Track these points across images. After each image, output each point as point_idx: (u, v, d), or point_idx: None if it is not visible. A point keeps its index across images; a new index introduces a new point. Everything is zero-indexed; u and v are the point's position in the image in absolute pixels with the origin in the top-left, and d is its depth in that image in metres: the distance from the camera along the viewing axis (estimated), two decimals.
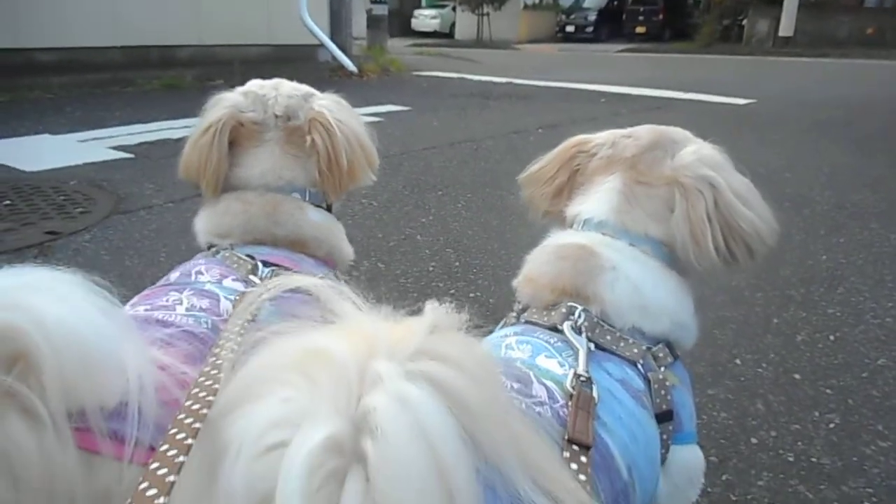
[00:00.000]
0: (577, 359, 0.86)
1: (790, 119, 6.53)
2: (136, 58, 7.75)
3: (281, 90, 1.31)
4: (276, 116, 1.28)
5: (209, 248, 1.23)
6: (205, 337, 0.92)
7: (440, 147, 4.92)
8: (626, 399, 0.86)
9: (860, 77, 11.27)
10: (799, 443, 1.67)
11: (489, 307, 2.37)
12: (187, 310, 0.97)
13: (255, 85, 1.33)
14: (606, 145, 1.12)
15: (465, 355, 0.51)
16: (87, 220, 3.07)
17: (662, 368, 0.94)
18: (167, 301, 0.98)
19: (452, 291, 2.51)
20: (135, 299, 1.02)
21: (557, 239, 1.06)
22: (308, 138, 1.28)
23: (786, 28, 18.43)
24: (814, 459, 1.61)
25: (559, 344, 0.90)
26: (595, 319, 0.94)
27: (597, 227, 1.05)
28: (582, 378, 0.82)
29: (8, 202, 3.29)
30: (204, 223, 1.26)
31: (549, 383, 0.81)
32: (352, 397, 0.45)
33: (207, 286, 1.03)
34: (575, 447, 0.72)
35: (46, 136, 4.89)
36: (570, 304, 0.95)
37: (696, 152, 1.06)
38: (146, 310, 0.96)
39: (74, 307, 0.65)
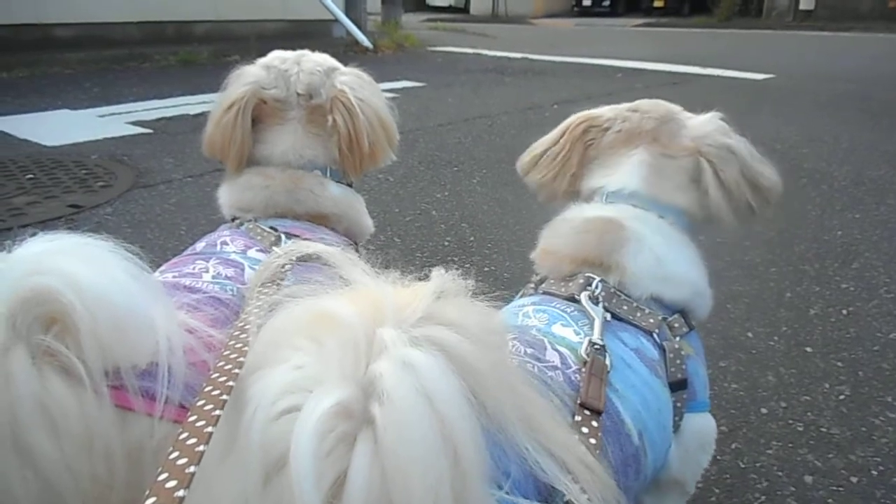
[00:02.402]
0: (592, 328, 0.88)
1: (809, 94, 6.44)
2: (152, 33, 7.77)
3: (304, 65, 1.31)
4: (299, 94, 1.29)
5: (233, 220, 1.26)
6: (230, 303, 0.96)
7: (455, 123, 4.92)
8: (640, 367, 0.88)
9: (882, 52, 11.06)
10: (809, 413, 1.69)
11: (504, 281, 2.40)
12: (213, 277, 1.00)
13: (277, 58, 1.33)
14: (619, 119, 1.13)
15: (470, 319, 0.52)
16: (109, 194, 3.12)
17: (678, 338, 0.96)
18: (194, 269, 1.01)
19: (467, 266, 2.54)
20: (163, 267, 1.06)
21: (582, 212, 1.07)
22: (329, 118, 1.29)
23: (806, 1, 18.07)
24: (823, 429, 1.64)
25: (575, 313, 0.92)
26: (612, 290, 0.96)
27: (627, 198, 1.07)
28: (596, 346, 0.84)
29: (31, 176, 3.35)
30: (227, 197, 1.30)
31: (562, 350, 0.83)
32: (360, 363, 0.47)
33: (232, 255, 1.07)
34: (587, 411, 0.74)
35: (66, 111, 4.95)
36: (587, 274, 0.97)
37: (709, 122, 1.12)
38: (174, 276, 1.00)
39: (107, 271, 0.68)
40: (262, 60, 1.34)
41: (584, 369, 0.80)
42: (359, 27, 9.50)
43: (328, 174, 1.32)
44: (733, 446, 1.58)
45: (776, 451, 1.57)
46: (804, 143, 4.40)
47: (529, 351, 0.81)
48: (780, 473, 1.50)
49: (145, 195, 3.12)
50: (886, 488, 1.46)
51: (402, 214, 3.06)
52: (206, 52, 7.65)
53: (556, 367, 0.80)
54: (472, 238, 2.81)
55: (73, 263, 0.67)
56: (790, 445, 1.59)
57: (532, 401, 0.57)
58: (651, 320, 0.95)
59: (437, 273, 0.57)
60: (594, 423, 0.73)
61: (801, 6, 18.21)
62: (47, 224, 2.77)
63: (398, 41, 10.43)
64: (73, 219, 2.85)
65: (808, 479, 1.48)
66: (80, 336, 0.64)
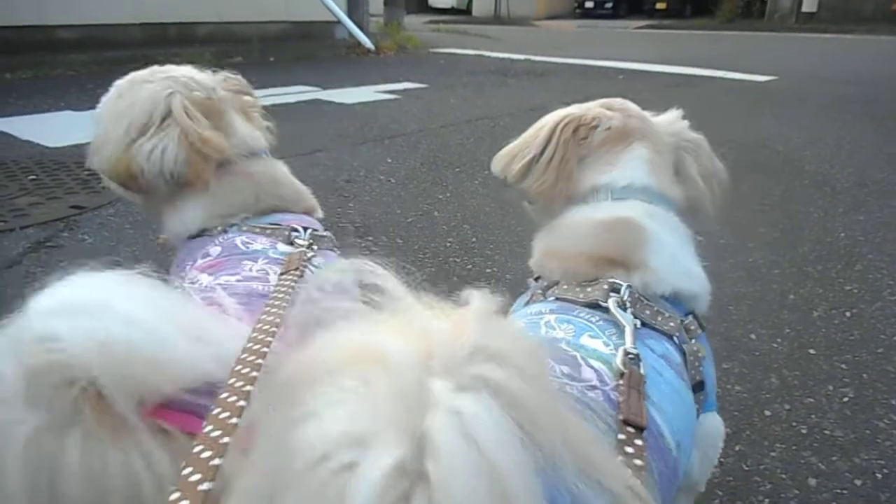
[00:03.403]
0: (621, 336, 0.85)
1: (811, 96, 6.44)
2: (155, 35, 7.79)
3: (181, 70, 1.27)
4: (213, 89, 1.26)
5: (200, 233, 1.19)
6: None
7: (457, 124, 4.92)
8: (669, 374, 0.86)
9: (885, 54, 11.05)
10: (812, 416, 1.69)
11: (506, 283, 2.40)
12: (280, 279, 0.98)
13: (153, 73, 1.25)
14: (604, 117, 1.12)
15: (515, 350, 0.50)
16: (111, 195, 3.10)
17: (693, 340, 0.95)
18: (252, 271, 0.99)
19: (469, 267, 2.54)
20: (199, 266, 1.04)
21: (592, 212, 1.05)
22: (247, 98, 1.31)
23: (809, 3, 18.06)
24: (827, 432, 1.63)
25: (601, 322, 0.89)
26: (637, 294, 0.94)
27: (637, 193, 1.05)
28: (630, 355, 0.81)
29: (33, 177, 3.35)
30: (194, 213, 1.20)
31: (596, 364, 0.80)
32: (413, 415, 0.45)
33: (272, 253, 1.05)
34: (629, 429, 0.71)
35: (69, 112, 4.95)
36: (611, 279, 0.95)
37: (677, 119, 1.17)
38: (238, 281, 0.97)
39: (128, 311, 0.66)
40: (136, 79, 1.24)
41: (621, 382, 0.77)
42: (361, 29, 9.52)
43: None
44: (737, 448, 1.57)
45: (780, 453, 1.56)
46: (807, 145, 4.39)
47: (565, 370, 0.78)
48: (783, 476, 1.49)
49: None
50: (891, 491, 1.45)
51: (404, 215, 3.06)
52: (209, 53, 7.64)
53: (594, 387, 0.76)
54: (474, 239, 2.80)
55: (94, 318, 0.64)
56: (794, 448, 1.58)
57: (580, 431, 0.55)
58: (671, 324, 0.93)
59: (476, 295, 0.55)
60: (638, 442, 0.70)
61: (804, 8, 18.20)
62: (49, 225, 2.77)
63: (400, 43, 10.45)
64: (75, 220, 2.84)
65: (812, 481, 1.48)
66: (108, 388, 0.61)
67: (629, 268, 0.97)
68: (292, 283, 0.93)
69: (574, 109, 1.15)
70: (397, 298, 0.55)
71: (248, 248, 1.08)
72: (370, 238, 2.78)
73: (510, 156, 1.16)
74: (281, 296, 0.88)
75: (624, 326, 0.86)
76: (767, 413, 1.70)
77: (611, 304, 0.90)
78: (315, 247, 1.11)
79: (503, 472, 0.44)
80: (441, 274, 2.47)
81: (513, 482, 0.44)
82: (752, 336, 2.06)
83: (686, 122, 1.18)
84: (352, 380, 0.46)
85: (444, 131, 4.70)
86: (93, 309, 0.64)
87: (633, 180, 1.06)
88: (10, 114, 4.76)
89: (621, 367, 0.79)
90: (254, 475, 0.47)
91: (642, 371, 0.80)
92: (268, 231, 1.14)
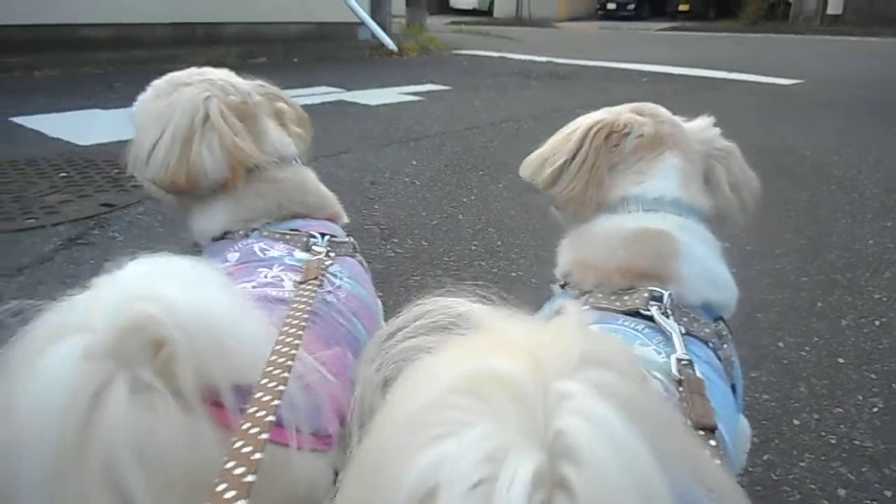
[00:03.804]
0: (668, 344, 0.86)
1: (838, 100, 6.37)
2: (182, 35, 7.87)
3: (218, 74, 1.28)
4: (248, 94, 1.28)
5: (224, 235, 1.20)
6: (321, 312, 0.95)
7: (481, 127, 4.93)
8: (716, 379, 0.87)
9: None
10: (841, 426, 1.68)
11: (531, 287, 2.40)
12: (294, 285, 0.99)
13: (190, 75, 1.27)
14: (637, 123, 1.11)
15: (619, 356, 0.50)
16: (140, 194, 3.16)
17: (725, 346, 0.96)
18: (267, 277, 1.00)
19: (495, 271, 2.54)
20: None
21: (623, 222, 1.05)
22: (280, 105, 1.32)
23: (834, 6, 17.84)
24: (856, 442, 1.62)
25: (647, 330, 0.89)
26: (675, 302, 0.95)
27: (667, 205, 1.05)
28: (683, 362, 0.81)
29: (64, 174, 3.41)
30: (219, 216, 1.22)
31: (656, 374, 0.79)
32: (540, 422, 0.44)
33: (287, 260, 1.06)
34: (701, 432, 0.70)
35: (97, 110, 5.02)
36: (650, 287, 0.95)
37: (708, 126, 1.17)
38: (253, 287, 0.98)
39: (206, 295, 0.68)
40: (173, 81, 1.26)
41: (682, 389, 0.77)
42: (384, 30, 9.55)
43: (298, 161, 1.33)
44: (765, 458, 1.57)
45: (809, 463, 1.55)
46: (834, 150, 4.35)
47: None
48: (812, 486, 1.48)
49: None
50: None
51: (429, 218, 3.07)
52: (234, 53, 7.72)
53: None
54: (498, 243, 2.81)
55: (173, 288, 0.66)
56: (823, 458, 1.57)
57: (685, 432, 0.54)
58: (707, 330, 0.94)
59: (569, 306, 0.54)
60: (712, 443, 0.69)
61: (829, 10, 17.98)
62: (80, 223, 2.81)
63: (423, 44, 10.47)
64: (106, 217, 2.89)
65: (842, 492, 1.47)
66: (181, 361, 0.63)
67: (663, 280, 0.97)
68: (312, 293, 0.94)
69: (605, 114, 1.14)
70: (482, 319, 0.54)
71: (265, 254, 1.09)
72: (395, 240, 2.80)
73: (540, 160, 1.14)
74: (302, 305, 0.89)
75: (670, 333, 0.86)
76: (796, 422, 1.69)
77: (654, 311, 0.90)
78: (332, 254, 1.12)
79: (649, 483, 0.43)
80: (467, 277, 2.48)
81: (652, 484, 0.43)
82: (780, 344, 2.04)
83: (717, 130, 1.18)
84: (467, 398, 0.45)
85: (468, 133, 4.71)
86: (182, 280, 0.67)
87: (665, 192, 1.06)
88: (40, 111, 4.84)
89: (677, 374, 0.79)
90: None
91: (700, 375, 0.80)
92: (286, 237, 1.14)
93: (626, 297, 0.95)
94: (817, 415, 1.72)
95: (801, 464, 1.55)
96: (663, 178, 1.07)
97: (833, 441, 1.62)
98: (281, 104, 1.35)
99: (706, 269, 1.01)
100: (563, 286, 1.09)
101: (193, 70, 1.28)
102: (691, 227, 1.04)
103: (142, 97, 1.28)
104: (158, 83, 1.27)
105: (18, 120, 4.57)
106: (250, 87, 1.30)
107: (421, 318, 0.58)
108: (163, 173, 1.17)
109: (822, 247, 2.79)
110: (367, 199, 3.27)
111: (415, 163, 3.94)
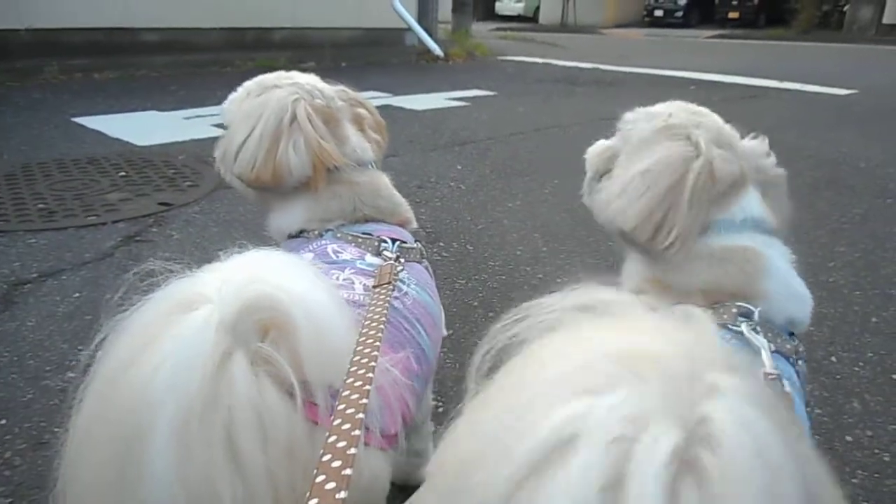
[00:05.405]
0: (755, 359, 0.86)
1: (894, 111, 6.20)
2: (233, 39, 8.05)
3: (306, 78, 1.32)
4: (331, 98, 1.31)
5: (299, 234, 1.24)
6: (389, 317, 0.96)
7: (527, 132, 4.94)
8: (796, 395, 0.88)
9: None
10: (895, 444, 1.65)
11: None
12: (364, 288, 1.02)
13: (278, 78, 1.31)
14: (729, 169, 1.03)
15: (738, 358, 0.52)
16: (196, 194, 3.27)
17: (800, 362, 0.97)
18: (339, 279, 1.03)
19: (540, 276, 2.55)
20: None
21: (705, 240, 1.01)
22: (360, 111, 1.34)
23: (891, 15, 17.35)
24: None
25: (734, 342, 0.89)
26: (763, 319, 0.95)
27: (752, 224, 1.03)
28: (772, 377, 0.82)
29: (123, 174, 3.53)
30: (296, 215, 1.26)
31: None
32: (686, 404, 0.46)
33: (359, 264, 1.09)
34: None
35: (154, 112, 5.19)
36: (738, 304, 0.95)
37: (763, 153, 1.12)
38: None
39: (326, 294, 0.72)
40: (262, 83, 1.30)
41: None
42: (430, 35, 9.63)
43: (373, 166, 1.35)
44: None
45: (861, 480, 1.53)
46: (890, 163, 4.24)
47: None
48: (865, 503, 1.46)
49: (230, 195, 3.23)
50: None
51: (474, 223, 3.09)
52: (283, 58, 7.87)
53: None
54: (544, 248, 2.82)
55: (289, 276, 0.71)
56: (876, 475, 1.54)
57: (809, 450, 0.54)
58: (788, 346, 0.95)
59: (692, 308, 0.57)
60: None
61: (885, 20, 17.50)
62: (138, 220, 2.91)
63: (469, 50, 10.51)
64: (163, 216, 2.99)
65: None
66: (298, 345, 0.67)
67: (748, 298, 0.96)
68: (387, 296, 0.97)
69: (684, 145, 1.04)
70: (627, 307, 0.57)
71: (337, 256, 1.12)
72: (441, 244, 2.83)
73: (651, 222, 1.01)
74: (380, 308, 0.91)
75: (759, 349, 0.87)
76: (849, 439, 1.66)
77: (744, 328, 0.90)
78: (402, 259, 1.15)
79: (778, 475, 0.44)
80: (511, 283, 2.49)
81: (785, 484, 0.45)
82: (833, 359, 2.01)
83: (773, 159, 1.13)
84: (617, 367, 0.48)
85: (514, 139, 4.73)
86: (295, 272, 0.71)
87: (748, 213, 1.04)
88: (100, 112, 5.01)
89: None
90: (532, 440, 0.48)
91: (788, 391, 0.81)
92: (359, 240, 1.17)
93: (714, 314, 0.94)
94: (871, 432, 1.69)
95: (854, 481, 1.53)
96: (746, 202, 1.05)
97: (886, 459, 1.59)
98: (361, 110, 1.37)
99: (789, 285, 1.02)
100: None
101: (282, 73, 1.34)
102: (773, 243, 1.05)
103: (233, 96, 1.35)
104: (249, 84, 1.33)
105: (80, 120, 4.74)
106: (334, 91, 1.34)
107: (566, 300, 0.61)
108: (249, 169, 1.22)
109: (877, 261, 2.73)
110: (414, 203, 3.27)
111: (460, 167, 3.97)
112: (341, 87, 1.37)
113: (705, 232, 1.03)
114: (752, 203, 1.06)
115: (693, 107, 1.15)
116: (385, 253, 1.13)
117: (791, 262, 1.06)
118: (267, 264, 0.72)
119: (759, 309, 0.94)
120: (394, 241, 1.19)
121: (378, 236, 1.20)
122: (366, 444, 0.74)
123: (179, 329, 0.64)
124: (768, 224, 1.06)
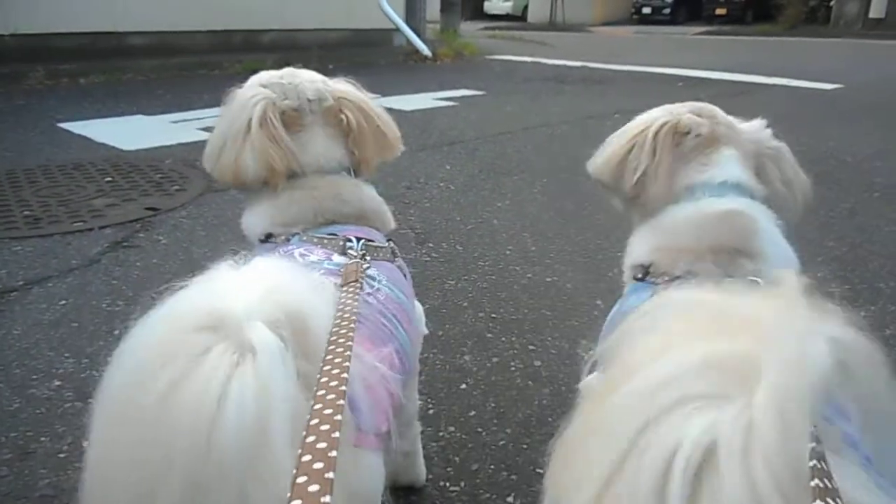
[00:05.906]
0: None
1: (881, 105, 6.24)
2: (220, 42, 8.03)
3: (302, 76, 1.32)
4: (310, 101, 1.29)
5: (267, 238, 1.24)
6: (365, 313, 0.97)
7: (515, 132, 4.94)
8: None
9: None
10: None
11: (566, 292, 2.41)
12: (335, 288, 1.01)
13: (272, 76, 1.31)
14: (696, 125, 1.17)
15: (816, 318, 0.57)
16: (183, 198, 3.25)
17: None
18: None
19: (529, 276, 2.55)
20: None
21: (700, 208, 1.11)
22: (342, 116, 1.31)
23: (877, 9, 17.45)
24: None
25: None
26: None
27: (734, 188, 1.12)
28: None
29: (109, 179, 3.51)
30: (264, 217, 1.26)
31: None
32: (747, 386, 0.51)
33: (326, 265, 1.09)
34: None
35: (141, 116, 5.16)
36: (750, 278, 1.00)
37: (761, 128, 1.23)
38: None
39: (325, 301, 0.74)
40: (254, 80, 1.31)
41: None
42: (418, 35, 9.62)
43: (351, 174, 1.34)
44: None
45: None
46: (876, 157, 4.26)
47: None
48: None
49: (217, 199, 3.22)
50: None
51: (464, 223, 3.09)
52: (271, 60, 7.84)
53: None
54: (533, 248, 2.82)
55: (305, 289, 0.72)
56: None
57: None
58: None
59: (786, 277, 0.62)
60: None
61: (872, 14, 17.59)
62: (126, 226, 2.90)
63: (457, 49, 10.50)
64: (150, 221, 2.97)
65: None
66: (311, 355, 0.68)
67: (751, 257, 1.03)
68: (356, 294, 0.97)
69: (665, 114, 1.20)
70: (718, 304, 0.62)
71: (304, 259, 1.11)
72: (430, 244, 2.82)
73: (616, 164, 1.20)
74: (349, 306, 0.91)
75: None
76: None
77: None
78: (368, 257, 1.14)
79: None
80: (501, 283, 2.49)
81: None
82: None
83: (769, 131, 1.23)
84: (721, 374, 0.52)
85: (502, 138, 4.73)
86: (303, 281, 0.74)
87: (728, 177, 1.13)
88: (86, 117, 4.98)
89: None
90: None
91: None
92: (324, 241, 1.17)
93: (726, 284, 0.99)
94: None
95: None
96: (724, 166, 1.15)
97: None
98: (349, 114, 1.33)
99: (782, 246, 1.08)
100: (642, 277, 1.12)
101: (287, 70, 1.33)
102: (759, 207, 1.11)
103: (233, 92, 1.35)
104: (252, 78, 1.33)
105: (66, 125, 4.71)
106: (329, 93, 1.31)
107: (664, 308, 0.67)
108: (213, 167, 1.25)
109: (865, 255, 2.74)
110: (403, 204, 3.30)
111: (449, 168, 3.97)
112: (343, 88, 1.34)
113: (688, 195, 1.14)
114: (730, 166, 1.14)
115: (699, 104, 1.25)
116: (350, 251, 1.12)
117: (776, 222, 1.11)
118: (279, 274, 0.72)
119: (763, 281, 0.98)
120: (359, 239, 1.18)
121: (344, 236, 1.19)
122: (359, 446, 0.73)
123: (211, 370, 0.61)
124: (752, 189, 1.13)
